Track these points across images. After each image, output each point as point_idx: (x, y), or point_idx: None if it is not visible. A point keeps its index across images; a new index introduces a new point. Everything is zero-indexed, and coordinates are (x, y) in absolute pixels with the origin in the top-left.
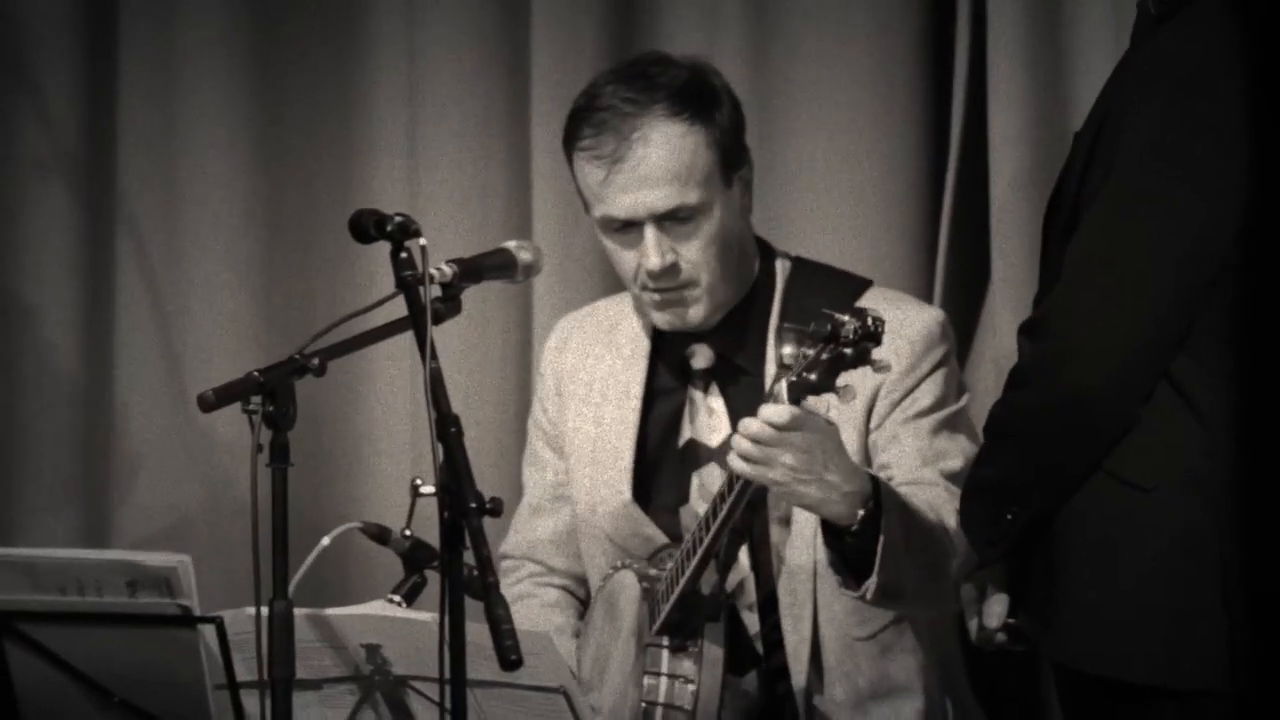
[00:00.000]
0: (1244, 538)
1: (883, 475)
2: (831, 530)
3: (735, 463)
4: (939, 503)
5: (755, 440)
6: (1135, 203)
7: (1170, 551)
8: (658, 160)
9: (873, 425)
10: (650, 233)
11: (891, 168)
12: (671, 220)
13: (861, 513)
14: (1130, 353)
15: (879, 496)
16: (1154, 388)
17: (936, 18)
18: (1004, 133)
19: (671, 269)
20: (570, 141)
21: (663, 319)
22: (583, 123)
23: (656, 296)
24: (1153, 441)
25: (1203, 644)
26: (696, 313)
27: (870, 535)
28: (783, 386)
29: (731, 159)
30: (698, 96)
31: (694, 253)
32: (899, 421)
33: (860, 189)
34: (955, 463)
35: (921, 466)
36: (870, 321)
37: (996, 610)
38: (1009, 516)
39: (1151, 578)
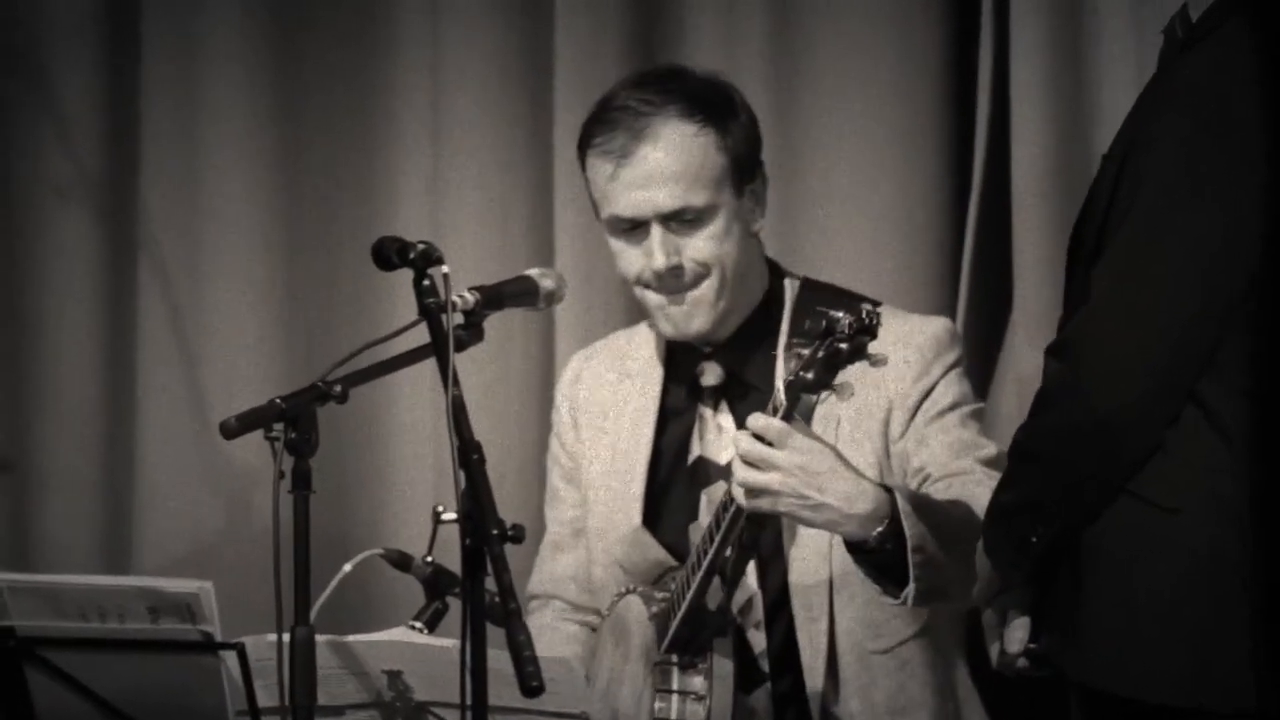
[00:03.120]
0: (1269, 557)
1: (919, 477)
2: (853, 545)
3: (736, 492)
4: (972, 490)
5: (745, 459)
6: (1161, 226)
7: (1195, 572)
8: (666, 159)
9: (894, 435)
10: (656, 232)
11: (914, 189)
12: (677, 221)
13: (879, 529)
14: (1156, 375)
15: (895, 509)
16: (1180, 409)
17: (959, 39)
18: (1027, 155)
19: (676, 270)
20: (583, 144)
21: (666, 326)
22: (596, 122)
23: (659, 299)
24: (1178, 462)
25: (1227, 665)
26: (700, 321)
27: (895, 546)
28: (780, 386)
29: (744, 169)
30: (713, 102)
31: (699, 255)
32: (923, 424)
33: (882, 211)
34: (990, 450)
35: (956, 458)
36: (865, 315)
37: (1018, 635)
38: (1033, 539)
39: (1176, 598)
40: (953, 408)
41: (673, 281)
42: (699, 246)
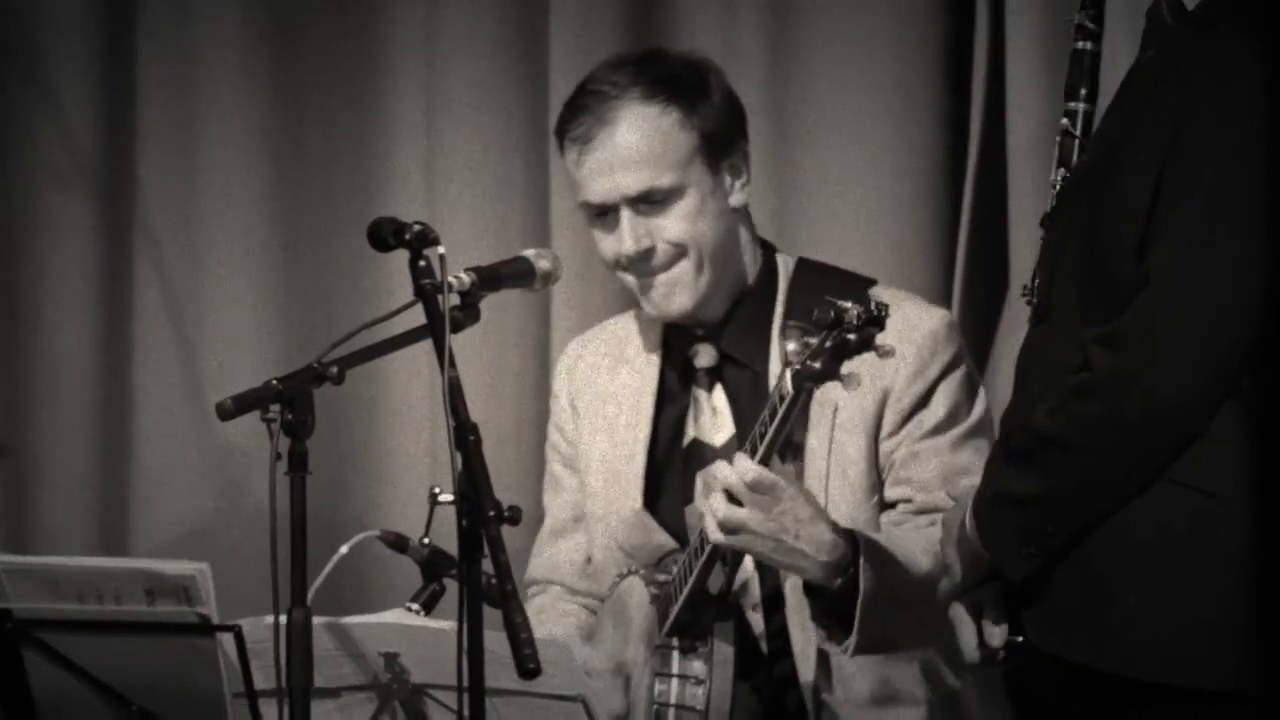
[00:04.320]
0: None
1: (901, 491)
2: (812, 587)
3: (710, 529)
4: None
5: (731, 490)
6: (1229, 215)
7: (1238, 556)
8: (628, 142)
9: (884, 433)
10: (625, 216)
11: (910, 173)
12: (645, 203)
13: (840, 579)
14: (1215, 367)
15: (857, 559)
16: (1226, 398)
17: (955, 24)
18: (1022, 138)
19: (646, 254)
20: (558, 130)
21: (648, 307)
22: (568, 108)
23: (636, 281)
24: (1217, 447)
25: (1271, 650)
26: (680, 300)
27: (851, 594)
28: (787, 376)
29: (716, 146)
30: (680, 82)
31: (671, 235)
32: (916, 437)
33: (879, 194)
34: (979, 479)
35: (944, 485)
36: (874, 306)
37: (999, 630)
38: (1049, 530)
39: (1220, 583)
40: (949, 424)
41: (644, 265)
42: (671, 227)
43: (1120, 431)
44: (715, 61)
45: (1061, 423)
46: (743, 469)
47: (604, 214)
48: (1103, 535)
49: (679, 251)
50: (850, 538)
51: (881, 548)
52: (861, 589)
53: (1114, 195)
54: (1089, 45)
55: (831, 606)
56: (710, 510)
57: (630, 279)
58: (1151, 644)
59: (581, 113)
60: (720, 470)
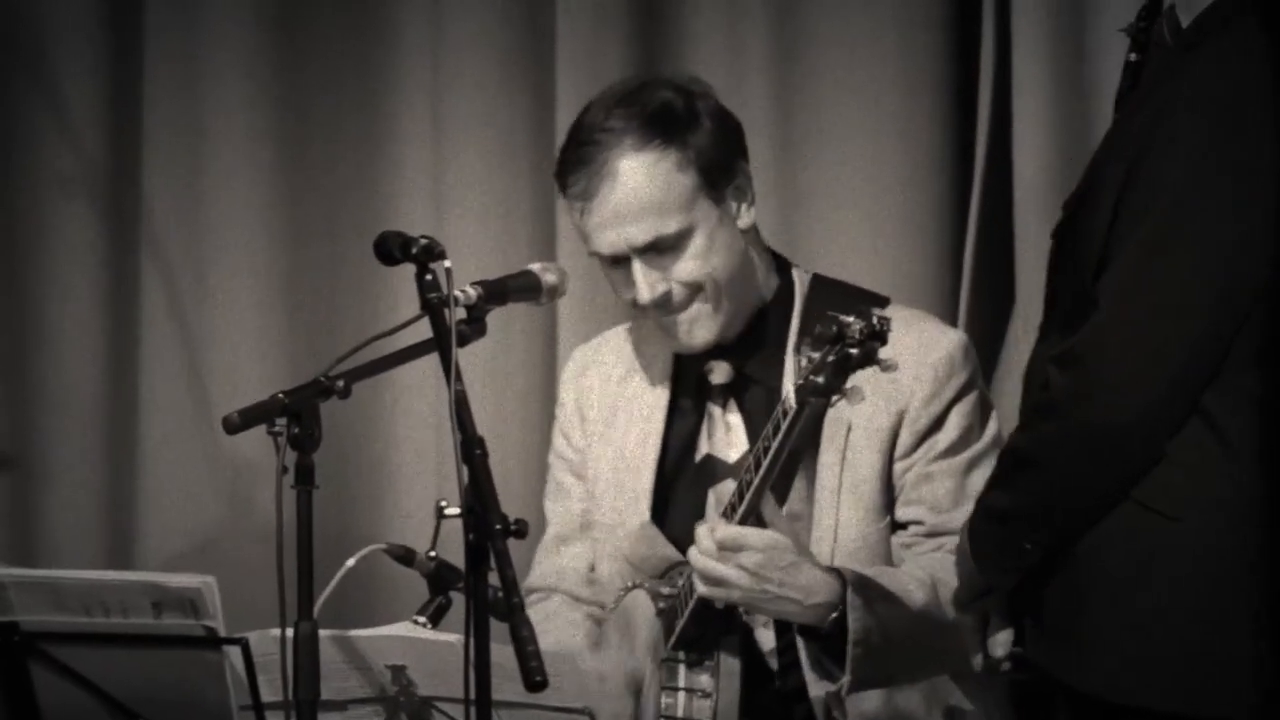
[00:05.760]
0: (1271, 565)
1: (912, 511)
2: (805, 629)
3: (697, 583)
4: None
5: (706, 554)
6: (1177, 236)
7: (1198, 580)
8: (628, 193)
9: (898, 454)
10: (637, 266)
11: (916, 185)
12: (655, 250)
13: (833, 616)
14: (1167, 386)
15: (847, 599)
16: (1186, 419)
17: (961, 36)
18: (1029, 150)
19: (664, 298)
20: (558, 179)
21: (672, 344)
22: (564, 161)
23: (658, 320)
24: (1180, 470)
25: (1229, 674)
26: (704, 334)
27: (843, 632)
28: (790, 390)
29: (716, 177)
30: (669, 121)
31: (686, 276)
32: (928, 459)
33: (884, 207)
34: None
35: (954, 509)
36: (876, 321)
37: (1002, 639)
38: (1027, 546)
39: (1179, 606)
40: (961, 446)
41: (663, 308)
42: (684, 268)
43: (1073, 449)
44: (704, 82)
45: (1025, 439)
46: (714, 530)
47: (615, 263)
48: (1081, 553)
49: (695, 290)
50: (838, 576)
51: (871, 583)
52: (851, 628)
53: (1088, 215)
54: (1141, 57)
55: (825, 646)
56: (692, 563)
57: (650, 319)
58: (1120, 665)
59: (578, 167)
60: (697, 533)
